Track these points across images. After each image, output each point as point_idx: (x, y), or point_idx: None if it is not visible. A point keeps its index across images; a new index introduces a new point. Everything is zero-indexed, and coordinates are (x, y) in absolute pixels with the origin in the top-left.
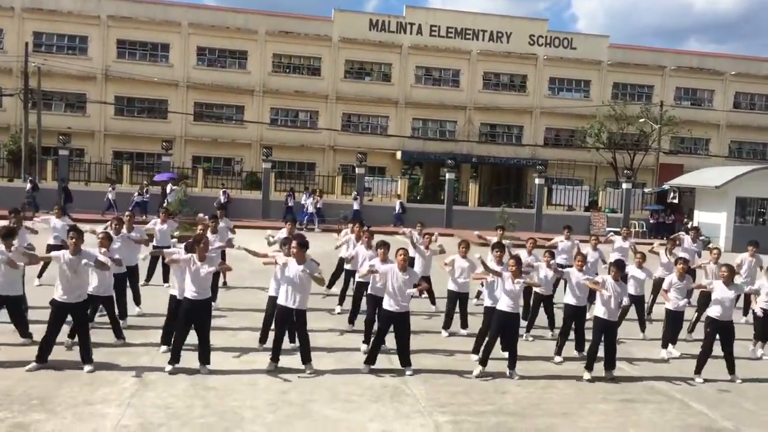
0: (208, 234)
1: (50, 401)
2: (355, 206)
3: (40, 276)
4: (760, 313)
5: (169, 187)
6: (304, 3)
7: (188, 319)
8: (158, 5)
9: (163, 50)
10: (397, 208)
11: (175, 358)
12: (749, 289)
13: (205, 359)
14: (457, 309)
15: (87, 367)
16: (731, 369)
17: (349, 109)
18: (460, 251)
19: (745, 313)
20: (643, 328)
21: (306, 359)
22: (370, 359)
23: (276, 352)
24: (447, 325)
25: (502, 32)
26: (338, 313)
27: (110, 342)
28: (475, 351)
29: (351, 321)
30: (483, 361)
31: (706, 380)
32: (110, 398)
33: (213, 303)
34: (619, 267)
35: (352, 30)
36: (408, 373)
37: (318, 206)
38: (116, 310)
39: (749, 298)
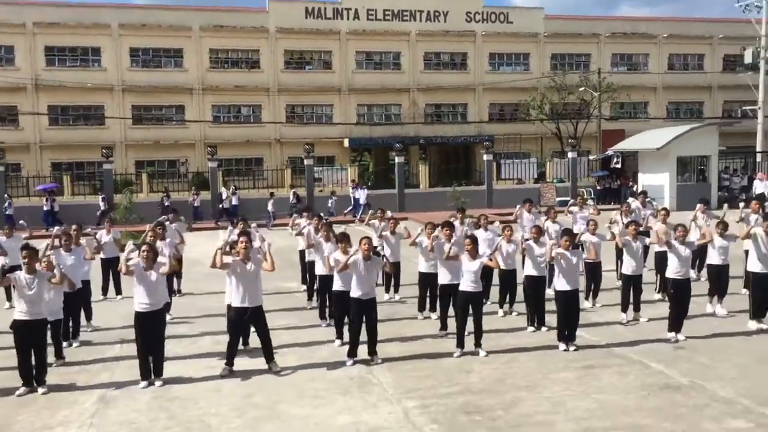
0: (158, 241)
1: (8, 428)
2: (363, 199)
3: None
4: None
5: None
6: None
7: (143, 332)
8: (86, 8)
9: (94, 54)
10: (291, 198)
11: (145, 374)
12: (697, 241)
13: (158, 370)
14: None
15: (41, 389)
16: (679, 327)
17: (292, 101)
18: (426, 232)
19: (699, 270)
20: (595, 295)
21: (269, 358)
22: (352, 351)
23: (231, 356)
24: (422, 306)
25: (438, 11)
26: (311, 309)
27: (69, 361)
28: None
29: (322, 316)
30: (460, 344)
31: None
32: (71, 420)
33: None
34: (569, 235)
35: (289, 19)
36: (375, 362)
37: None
38: (68, 328)
39: (704, 256)
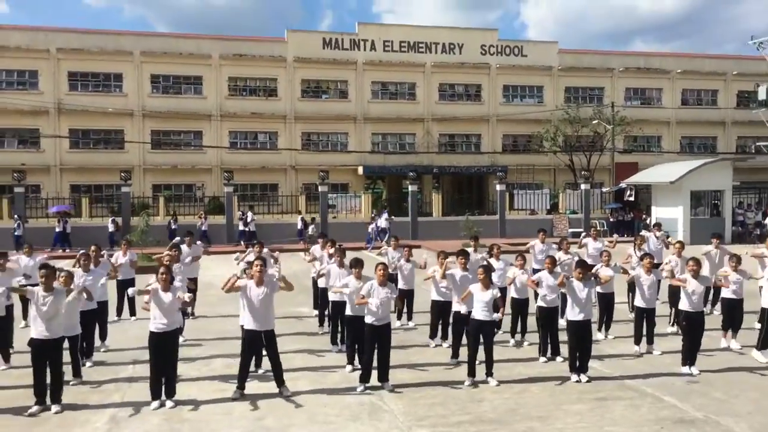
0: (174, 264)
1: None
2: (383, 224)
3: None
4: (729, 295)
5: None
6: (256, 25)
7: (156, 352)
8: (108, 35)
9: (116, 80)
10: (299, 224)
11: (156, 394)
12: (716, 279)
13: (170, 392)
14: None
15: (54, 408)
16: (693, 360)
17: (308, 128)
18: (439, 262)
19: (714, 305)
20: (608, 327)
21: (280, 382)
22: (365, 377)
23: (242, 379)
24: (434, 334)
25: (454, 44)
26: (322, 334)
27: (82, 380)
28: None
29: (334, 341)
30: (471, 372)
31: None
32: None
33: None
34: (583, 266)
35: (306, 49)
36: (387, 388)
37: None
38: (84, 347)
39: (718, 290)
